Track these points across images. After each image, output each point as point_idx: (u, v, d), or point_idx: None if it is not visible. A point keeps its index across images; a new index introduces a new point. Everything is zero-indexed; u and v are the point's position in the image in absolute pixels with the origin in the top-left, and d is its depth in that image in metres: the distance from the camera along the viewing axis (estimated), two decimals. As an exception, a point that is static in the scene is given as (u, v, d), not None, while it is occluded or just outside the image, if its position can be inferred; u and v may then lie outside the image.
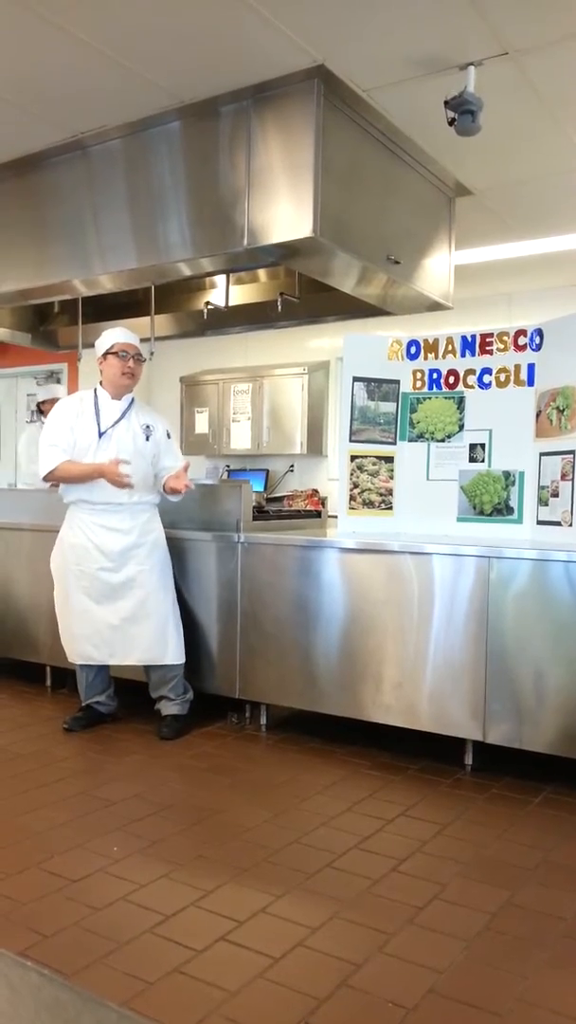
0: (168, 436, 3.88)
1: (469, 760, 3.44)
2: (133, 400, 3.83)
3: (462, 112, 3.36)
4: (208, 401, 7.82)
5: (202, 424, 7.85)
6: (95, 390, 3.83)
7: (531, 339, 3.89)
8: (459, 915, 2.27)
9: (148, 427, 3.81)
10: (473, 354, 4.02)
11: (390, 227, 4.17)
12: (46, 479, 3.75)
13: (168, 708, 3.82)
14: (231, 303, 5.47)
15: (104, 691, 3.93)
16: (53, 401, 6.12)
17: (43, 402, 6.38)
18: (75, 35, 3.24)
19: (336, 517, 4.27)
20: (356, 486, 4.16)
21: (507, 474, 3.91)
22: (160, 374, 7.99)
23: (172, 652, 3.77)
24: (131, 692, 3.97)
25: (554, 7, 3.00)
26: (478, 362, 4.00)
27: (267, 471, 7.77)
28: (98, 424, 3.73)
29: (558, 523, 3.67)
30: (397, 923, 2.21)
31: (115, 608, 3.71)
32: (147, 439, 3.78)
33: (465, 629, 3.36)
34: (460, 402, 4.04)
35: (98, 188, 4.24)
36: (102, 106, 3.82)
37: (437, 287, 4.61)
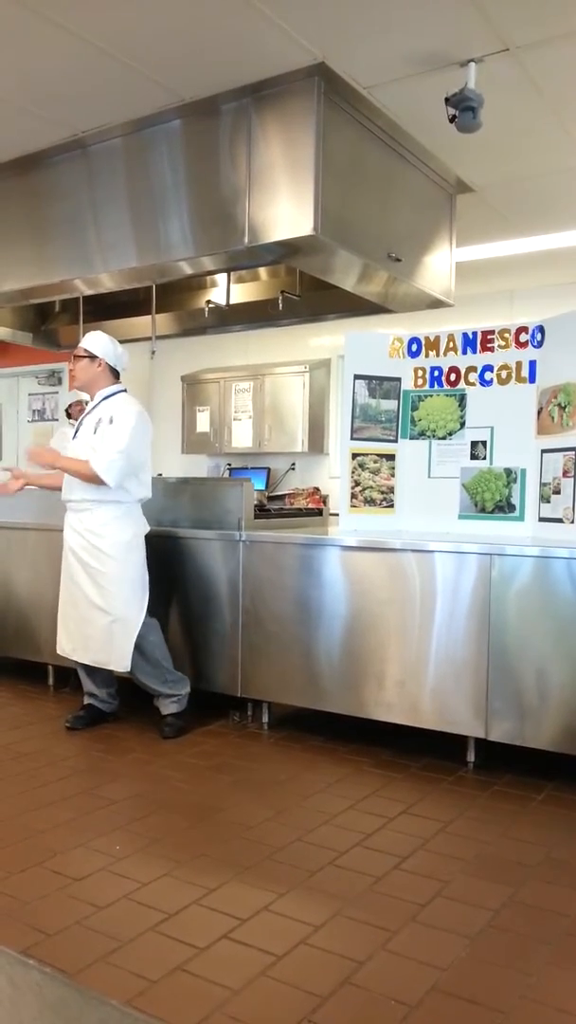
0: (111, 421, 3.66)
1: (471, 757, 3.44)
2: (109, 396, 3.78)
3: (463, 109, 3.36)
4: (209, 400, 7.82)
5: (203, 423, 7.86)
6: None
7: (532, 336, 3.88)
8: (462, 912, 2.26)
9: (99, 421, 3.73)
10: (474, 351, 4.02)
11: (391, 224, 4.17)
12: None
13: (166, 707, 3.82)
14: (232, 301, 5.47)
15: (106, 688, 3.94)
16: (79, 404, 6.19)
17: (71, 405, 6.57)
18: (76, 33, 3.24)
19: (338, 515, 4.27)
20: (358, 484, 4.16)
21: (509, 471, 3.90)
22: (161, 373, 7.98)
23: (115, 659, 3.69)
24: (133, 691, 3.97)
25: (554, 4, 3.00)
26: (479, 359, 3.99)
27: (268, 469, 7.76)
28: (80, 424, 3.84)
29: (560, 520, 3.67)
30: (399, 920, 2.21)
31: (76, 605, 3.76)
32: (95, 431, 3.70)
33: (467, 626, 3.36)
34: (461, 399, 4.04)
35: (99, 187, 4.24)
36: (103, 105, 3.82)
37: (438, 284, 4.61)
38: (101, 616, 3.68)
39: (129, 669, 3.70)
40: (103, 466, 3.57)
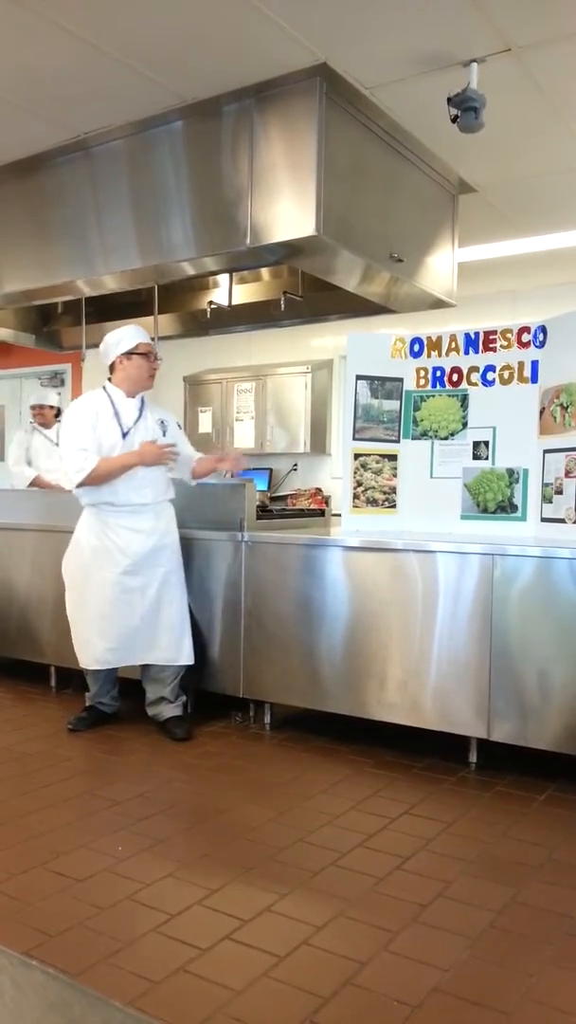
0: (180, 427, 4.01)
1: (473, 758, 3.44)
2: (143, 397, 3.83)
3: (465, 109, 3.36)
4: (212, 400, 7.83)
5: (206, 423, 7.86)
6: (106, 389, 3.78)
7: (535, 336, 3.88)
8: (464, 913, 2.26)
9: (163, 422, 3.83)
10: (477, 351, 4.01)
11: (393, 225, 4.17)
12: (83, 484, 3.61)
13: (171, 710, 3.81)
14: (234, 302, 5.47)
15: (109, 691, 3.94)
16: (41, 407, 6.09)
17: (33, 407, 6.17)
18: (78, 35, 3.24)
19: (340, 516, 4.27)
20: (360, 484, 4.16)
21: (511, 471, 3.90)
22: (163, 373, 7.91)
23: (186, 653, 3.79)
24: (134, 691, 3.97)
25: (556, 4, 3.00)
26: (482, 359, 3.99)
27: (271, 470, 7.76)
28: (119, 424, 3.70)
29: (562, 520, 3.66)
30: (402, 921, 2.21)
31: (134, 610, 3.68)
32: (164, 434, 3.79)
33: (469, 627, 3.36)
34: (464, 400, 4.04)
35: (101, 188, 4.24)
36: (105, 106, 3.83)
37: (440, 285, 4.61)
38: (177, 612, 3.76)
39: (193, 661, 3.82)
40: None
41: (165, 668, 3.79)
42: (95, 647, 3.72)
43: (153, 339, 5.76)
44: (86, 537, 3.73)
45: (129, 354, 3.72)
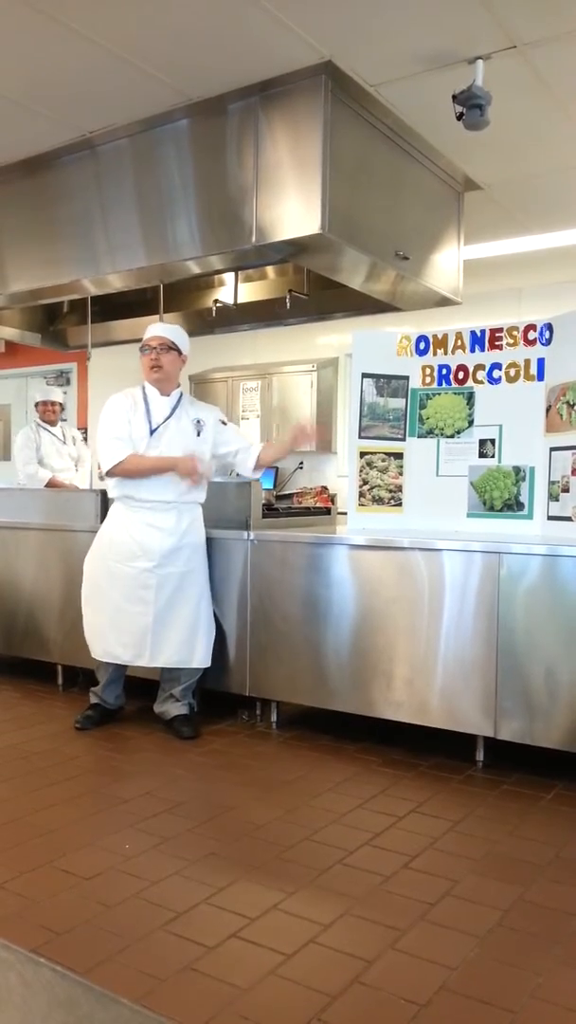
0: (224, 423, 3.86)
1: (480, 756, 3.43)
2: (182, 395, 3.80)
3: (470, 106, 3.35)
4: (217, 399, 7.82)
5: (211, 422, 7.85)
6: (143, 387, 3.77)
7: (541, 334, 3.87)
8: (471, 912, 2.26)
9: (199, 422, 3.76)
10: (483, 349, 4.00)
11: (399, 223, 4.16)
12: (111, 474, 3.63)
13: (179, 709, 3.81)
14: (240, 301, 5.48)
15: (116, 690, 3.94)
16: (47, 404, 6.04)
17: (38, 404, 6.10)
18: (83, 34, 3.25)
19: (346, 514, 4.27)
20: (365, 483, 4.15)
21: (517, 469, 3.89)
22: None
23: (200, 656, 3.75)
24: (141, 690, 3.98)
25: (561, 1, 2.98)
26: (487, 357, 3.98)
27: (276, 468, 7.76)
28: (149, 421, 3.68)
29: (569, 519, 3.65)
30: (409, 920, 2.21)
31: (148, 608, 3.67)
32: (198, 435, 3.72)
33: (475, 625, 3.35)
34: (470, 398, 4.03)
35: (107, 187, 4.24)
36: (110, 105, 3.83)
37: (446, 282, 4.60)
38: (190, 614, 3.71)
39: (210, 664, 3.78)
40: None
41: (180, 668, 3.77)
42: (107, 640, 3.74)
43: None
44: (109, 530, 3.75)
45: (141, 350, 3.74)
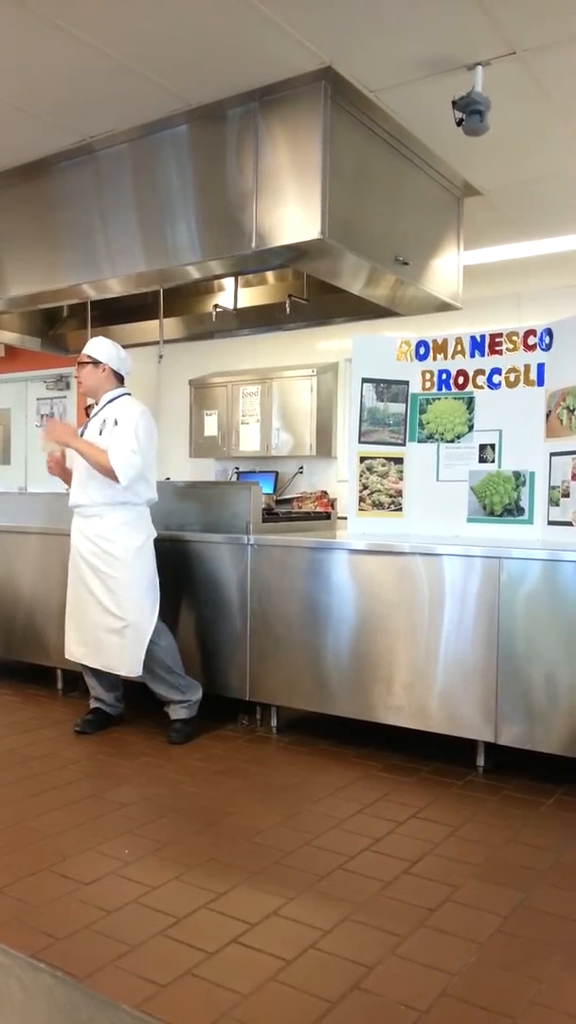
0: (116, 423, 3.68)
1: (481, 762, 3.43)
2: (114, 399, 3.81)
3: (470, 112, 3.36)
4: (217, 403, 7.83)
5: (211, 427, 7.86)
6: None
7: (541, 339, 3.88)
8: (472, 917, 2.26)
9: (104, 422, 3.74)
10: (482, 354, 4.01)
11: (398, 228, 4.17)
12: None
13: (175, 712, 3.81)
14: (239, 305, 5.48)
15: (112, 692, 3.94)
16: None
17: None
18: (83, 39, 3.25)
19: (346, 519, 4.27)
20: (365, 487, 4.16)
21: (517, 474, 3.90)
22: (169, 377, 8.00)
23: (127, 664, 3.67)
24: (141, 694, 3.97)
25: (560, 7, 2.99)
26: (487, 362, 3.99)
27: (276, 473, 7.77)
28: (86, 427, 3.85)
29: (569, 523, 3.66)
30: (409, 925, 2.21)
31: (88, 609, 3.75)
32: (100, 433, 3.71)
33: (475, 630, 3.35)
34: (470, 402, 4.03)
35: (106, 192, 4.25)
36: (110, 110, 3.83)
37: (446, 287, 4.60)
38: (113, 621, 3.67)
39: (140, 674, 3.69)
40: (121, 463, 3.57)
41: (146, 674, 3.72)
42: (69, 639, 3.87)
43: (158, 342, 5.80)
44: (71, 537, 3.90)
45: None
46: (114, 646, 3.69)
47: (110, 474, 3.59)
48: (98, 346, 3.83)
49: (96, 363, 3.80)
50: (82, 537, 3.77)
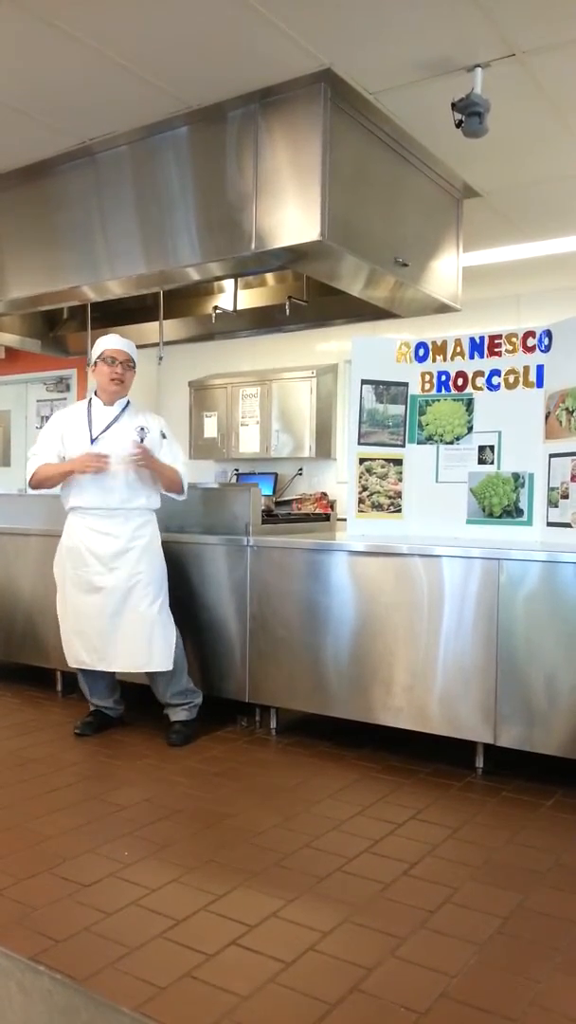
0: (164, 436, 3.81)
1: (480, 763, 3.43)
2: (128, 404, 3.82)
3: (469, 114, 3.36)
4: (217, 405, 7.83)
5: (211, 428, 7.86)
6: (89, 399, 3.86)
7: (540, 340, 3.88)
8: (471, 919, 2.26)
9: (143, 429, 3.76)
10: (482, 356, 4.01)
11: (398, 230, 4.17)
12: (30, 485, 3.80)
13: (176, 714, 3.81)
14: (239, 307, 5.48)
15: (111, 696, 3.94)
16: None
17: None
18: (83, 42, 3.26)
19: (345, 520, 4.27)
20: (365, 489, 4.16)
21: (517, 476, 3.90)
22: (169, 379, 8.01)
23: (156, 659, 3.69)
24: (140, 696, 3.97)
25: (561, 9, 3.00)
26: (487, 364, 3.99)
27: (276, 475, 7.77)
28: (90, 431, 3.73)
29: (568, 525, 3.66)
30: (409, 927, 2.21)
31: (103, 612, 3.68)
32: (141, 441, 3.71)
33: (475, 631, 3.35)
34: (469, 404, 4.03)
35: (106, 194, 4.25)
36: (110, 112, 3.84)
37: (445, 289, 4.61)
38: (141, 618, 3.67)
39: (171, 667, 3.71)
40: (186, 481, 3.81)
41: (158, 674, 3.74)
42: (74, 646, 3.78)
43: (158, 344, 5.79)
44: (64, 539, 3.81)
45: (97, 361, 3.78)
46: (143, 643, 3.67)
47: (178, 489, 3.78)
48: (133, 348, 3.83)
49: (134, 366, 3.81)
50: (101, 537, 3.68)
